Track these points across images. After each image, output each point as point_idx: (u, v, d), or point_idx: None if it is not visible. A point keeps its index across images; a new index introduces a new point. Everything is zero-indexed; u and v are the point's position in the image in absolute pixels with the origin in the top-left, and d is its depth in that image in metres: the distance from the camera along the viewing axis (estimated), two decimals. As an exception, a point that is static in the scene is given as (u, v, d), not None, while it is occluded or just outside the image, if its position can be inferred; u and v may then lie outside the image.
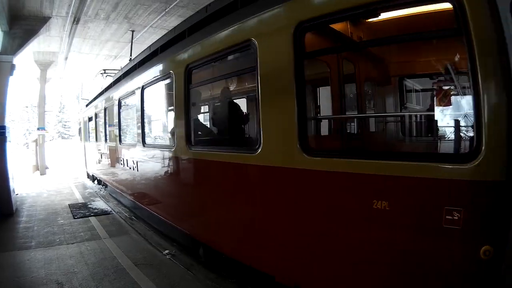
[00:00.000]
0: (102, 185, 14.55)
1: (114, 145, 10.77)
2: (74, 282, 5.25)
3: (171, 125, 6.96)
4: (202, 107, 7.77)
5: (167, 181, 7.03)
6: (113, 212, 10.07)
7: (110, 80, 12.78)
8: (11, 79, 10.69)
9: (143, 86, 7.85)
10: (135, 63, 8.95)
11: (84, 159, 18.67)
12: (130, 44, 16.08)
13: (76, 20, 14.12)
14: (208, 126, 6.99)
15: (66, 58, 20.21)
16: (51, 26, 14.73)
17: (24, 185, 15.46)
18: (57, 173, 22.24)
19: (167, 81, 6.83)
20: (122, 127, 10.11)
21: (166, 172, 7.04)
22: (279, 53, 3.92)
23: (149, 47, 8.08)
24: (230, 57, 5.30)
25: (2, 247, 6.94)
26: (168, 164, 6.82)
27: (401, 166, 2.95)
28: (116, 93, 10.57)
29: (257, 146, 4.24)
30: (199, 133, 6.52)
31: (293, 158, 3.76)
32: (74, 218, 9.36)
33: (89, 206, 11.02)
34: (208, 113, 7.41)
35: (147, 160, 7.90)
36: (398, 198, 2.94)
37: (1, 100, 10.40)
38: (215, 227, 5.44)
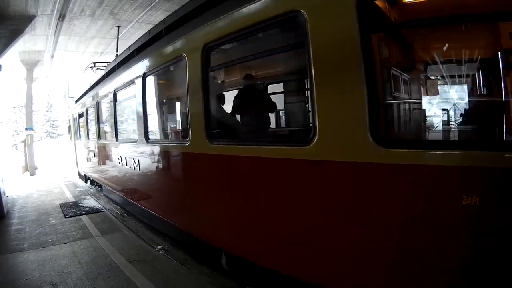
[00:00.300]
0: (96, 186, 14.03)
1: (110, 142, 9.99)
2: (69, 282, 5.22)
3: (183, 117, 6.65)
4: (226, 95, 6.53)
5: (176, 182, 6.30)
6: (104, 210, 10.04)
7: (101, 73, 12.22)
8: None
9: (144, 74, 6.91)
10: (132, 50, 8.02)
11: (75, 158, 17.88)
12: (116, 40, 15.98)
13: (61, 18, 14.00)
14: (236, 117, 5.97)
15: (52, 57, 20.03)
16: (36, 24, 14.57)
17: (14, 187, 15.31)
18: (47, 173, 22.10)
19: (176, 65, 6.10)
20: (118, 123, 9.23)
21: (174, 172, 6.33)
22: (339, 26, 3.25)
23: (148, 32, 7.26)
24: (262, 34, 4.43)
25: None
26: (179, 162, 6.03)
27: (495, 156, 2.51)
28: (110, 85, 9.55)
29: (310, 137, 3.47)
30: (223, 125, 5.56)
31: (364, 150, 3.09)
32: (66, 218, 9.30)
33: (80, 204, 10.96)
34: (235, 102, 6.06)
35: (151, 158, 7.02)
36: (487, 192, 2.54)
37: None
38: (250, 235, 4.52)
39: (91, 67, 15.71)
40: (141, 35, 8.06)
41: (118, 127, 9.22)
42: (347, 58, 3.20)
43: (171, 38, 5.93)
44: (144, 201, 7.76)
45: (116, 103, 9.14)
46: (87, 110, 13.44)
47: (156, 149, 6.77)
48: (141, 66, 7.08)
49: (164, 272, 5.51)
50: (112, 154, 9.88)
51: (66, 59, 21.09)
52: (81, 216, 9.40)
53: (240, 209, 4.62)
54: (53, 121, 63.97)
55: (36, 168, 22.47)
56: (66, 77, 28.84)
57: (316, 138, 3.40)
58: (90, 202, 11.39)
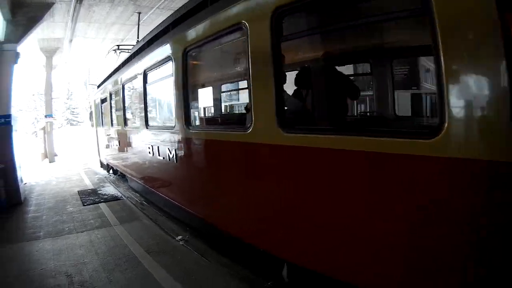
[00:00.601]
0: (119, 175, 13.07)
1: (137, 129, 8.74)
2: (84, 274, 5.01)
3: (239, 99, 6.07)
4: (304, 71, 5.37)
5: (227, 178, 5.16)
6: (123, 198, 9.86)
7: (125, 56, 10.94)
8: (17, 68, 10.51)
9: (185, 50, 5.77)
10: (168, 23, 6.64)
11: (97, 146, 16.76)
12: (137, 26, 15.66)
13: (79, 3, 13.74)
14: (326, 100, 4.91)
15: (71, 42, 19.86)
16: (55, 11, 14.35)
17: (32, 174, 15.28)
18: (66, 160, 22.12)
19: (230, 37, 5.08)
20: (149, 107, 7.99)
21: (226, 166, 5.16)
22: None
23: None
24: None
25: (10, 238, 6.74)
26: (234, 154, 4.87)
27: None
28: (139, 66, 8.23)
29: (438, 126, 2.58)
30: (300, 109, 4.72)
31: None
32: (84, 205, 9.15)
33: (99, 192, 10.84)
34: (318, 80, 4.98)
35: (194, 148, 5.94)
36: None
37: (7, 88, 10.22)
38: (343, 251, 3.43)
39: (114, 50, 14.68)
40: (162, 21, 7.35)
41: (149, 113, 8.04)
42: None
43: (223, 4, 4.75)
44: (181, 199, 6.73)
45: (147, 85, 7.90)
46: (110, 95, 12.40)
47: (201, 137, 5.72)
48: (181, 40, 5.94)
49: (184, 263, 5.26)
50: (140, 143, 8.65)
51: (86, 46, 20.89)
52: (99, 204, 9.24)
53: (329, 218, 3.55)
54: (74, 108, 64.45)
55: (56, 155, 22.48)
56: (86, 64, 28.83)
57: (444, 129, 2.53)
58: (109, 189, 11.26)
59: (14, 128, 10.01)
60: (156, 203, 8.54)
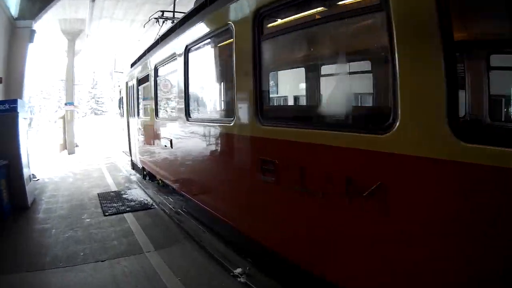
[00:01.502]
0: (160, 184, 9.55)
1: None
2: None
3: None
4: None
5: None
6: (155, 206, 7.86)
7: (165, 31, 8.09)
8: (35, 49, 9.48)
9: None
10: None
11: (128, 143, 12.89)
12: (171, 6, 13.42)
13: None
14: None
15: (96, 23, 18.51)
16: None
17: (48, 167, 13.56)
18: (87, 152, 20.48)
19: None
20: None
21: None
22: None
23: None
24: None
25: (4, 266, 4.88)
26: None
27: None
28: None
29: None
30: None
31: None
32: (105, 215, 7.20)
33: (124, 196, 8.85)
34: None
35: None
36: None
37: (20, 70, 9.67)
38: None
39: (156, 18, 11.57)
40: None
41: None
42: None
43: None
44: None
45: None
46: (156, 71, 8.37)
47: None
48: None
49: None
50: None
51: (112, 29, 19.82)
52: (124, 215, 7.24)
53: None
54: (98, 98, 64.33)
55: (77, 145, 21.10)
56: (112, 51, 27.61)
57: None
58: (136, 193, 9.22)
59: (22, 116, 8.17)
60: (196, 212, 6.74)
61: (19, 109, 7.83)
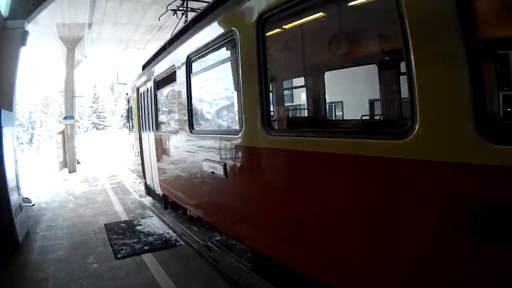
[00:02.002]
0: (186, 216, 7.61)
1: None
2: None
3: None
4: None
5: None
6: (180, 242, 6.15)
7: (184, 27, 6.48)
8: (26, 53, 8.70)
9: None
10: None
11: (141, 163, 10.36)
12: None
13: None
14: None
15: (97, 28, 17.35)
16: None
17: (45, 189, 12.04)
18: (90, 170, 18.93)
19: None
20: None
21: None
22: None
23: None
24: None
25: None
26: None
27: None
28: None
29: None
30: None
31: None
32: (117, 258, 5.49)
33: (138, 227, 7.13)
34: None
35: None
36: None
37: (11, 75, 8.97)
38: None
39: (173, 10, 9.32)
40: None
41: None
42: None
43: None
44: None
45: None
46: (188, 67, 6.00)
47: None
48: None
49: None
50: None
51: (115, 35, 18.65)
52: (143, 256, 5.53)
53: None
54: (100, 112, 64.31)
55: (78, 162, 19.64)
56: (114, 62, 26.32)
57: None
58: (153, 222, 7.51)
59: (9, 130, 6.71)
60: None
61: (3, 123, 6.18)
